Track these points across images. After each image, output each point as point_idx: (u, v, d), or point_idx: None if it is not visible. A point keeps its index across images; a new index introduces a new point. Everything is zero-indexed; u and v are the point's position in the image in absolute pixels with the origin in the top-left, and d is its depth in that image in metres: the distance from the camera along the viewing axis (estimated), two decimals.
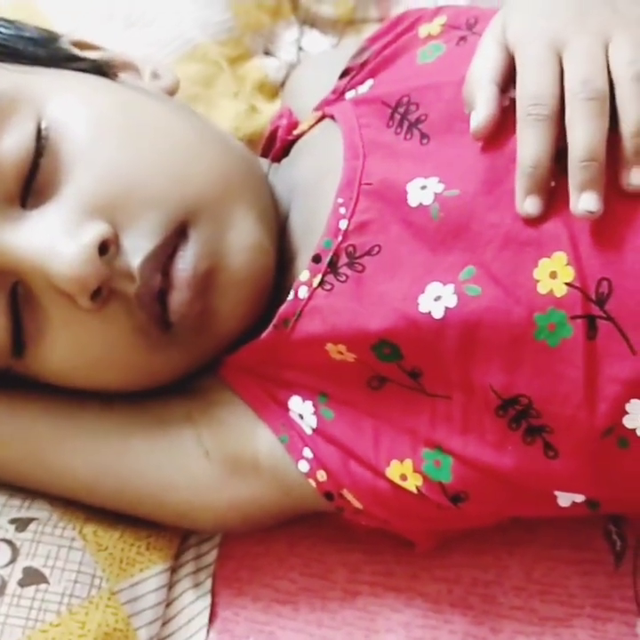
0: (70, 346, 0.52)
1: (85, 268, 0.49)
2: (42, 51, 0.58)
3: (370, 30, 0.77)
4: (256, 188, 0.57)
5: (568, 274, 0.47)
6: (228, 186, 0.54)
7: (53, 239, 0.49)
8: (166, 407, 0.58)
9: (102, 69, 0.59)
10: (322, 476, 0.54)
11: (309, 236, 0.54)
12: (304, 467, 0.55)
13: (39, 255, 0.49)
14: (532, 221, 0.48)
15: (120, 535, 0.57)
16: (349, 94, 0.60)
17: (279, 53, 0.78)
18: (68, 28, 0.69)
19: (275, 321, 0.53)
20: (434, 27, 0.59)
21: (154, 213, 0.51)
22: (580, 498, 0.52)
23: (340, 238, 0.52)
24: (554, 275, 0.47)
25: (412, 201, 0.51)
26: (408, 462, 0.52)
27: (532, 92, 0.49)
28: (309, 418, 0.54)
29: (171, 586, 0.58)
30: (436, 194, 0.50)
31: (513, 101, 0.50)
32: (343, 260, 0.51)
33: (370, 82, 0.59)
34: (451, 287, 0.48)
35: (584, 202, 0.47)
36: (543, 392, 0.48)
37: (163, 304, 0.51)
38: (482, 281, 0.48)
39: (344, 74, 0.61)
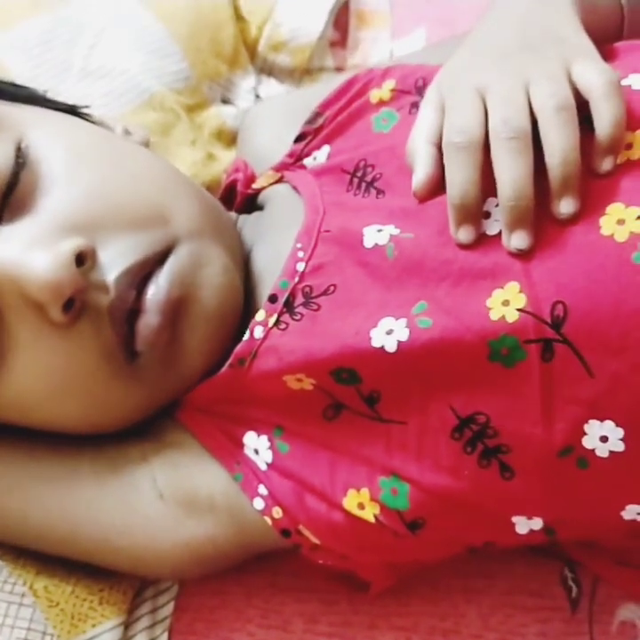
0: (33, 369, 0.51)
1: (60, 273, 0.48)
2: (21, 91, 0.60)
3: (326, 78, 0.79)
4: (228, 232, 0.58)
5: (520, 300, 0.48)
6: (206, 224, 0.54)
7: (27, 249, 0.49)
8: (120, 449, 0.57)
9: (80, 113, 0.60)
10: (277, 512, 0.54)
11: (266, 279, 0.55)
12: (259, 504, 0.54)
13: (11, 263, 0.48)
14: (484, 254, 0.49)
15: (72, 590, 0.56)
16: (307, 161, 0.62)
17: (237, 101, 0.78)
18: (27, 77, 0.70)
19: (231, 360, 0.53)
20: (384, 92, 0.60)
21: (133, 235, 0.51)
22: (537, 525, 0.52)
23: (296, 279, 0.53)
24: (506, 303, 0.48)
25: (368, 242, 0.52)
26: (365, 491, 0.52)
27: (456, 125, 0.50)
28: (264, 453, 0.54)
29: None
30: (391, 235, 0.52)
31: None
32: (299, 299, 0.52)
33: (326, 148, 0.61)
34: (403, 321, 0.49)
35: (515, 240, 0.49)
36: (501, 409, 0.49)
37: (132, 329, 0.51)
38: (433, 314, 0.49)
39: (299, 138, 0.63)
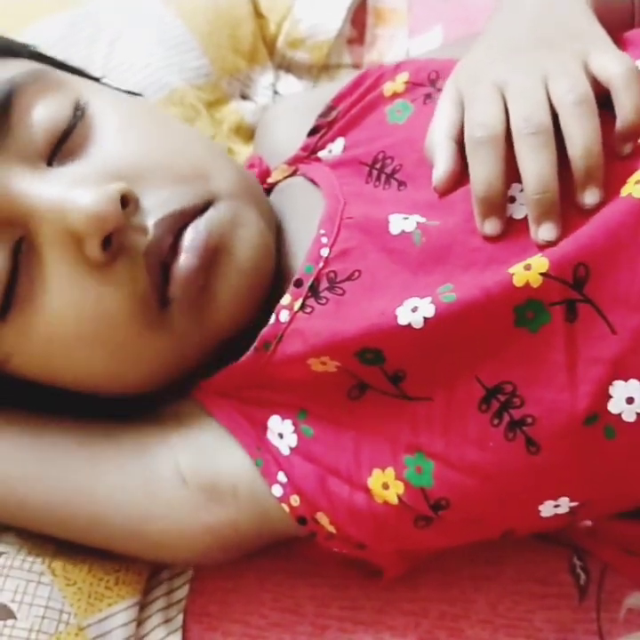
0: (64, 310, 0.51)
1: (104, 207, 0.50)
2: (76, 68, 0.63)
3: (343, 75, 0.80)
4: (263, 201, 0.59)
5: (542, 265, 0.48)
6: (243, 189, 0.56)
7: (74, 186, 0.51)
8: (141, 433, 0.58)
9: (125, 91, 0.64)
10: (295, 500, 0.54)
11: (290, 264, 0.56)
12: (278, 491, 0.55)
13: (57, 198, 0.50)
14: (512, 241, 0.50)
15: (89, 569, 0.57)
16: (322, 153, 0.62)
17: (255, 97, 0.80)
18: None
19: (256, 344, 0.54)
20: (398, 85, 0.61)
21: (175, 188, 0.52)
22: (563, 508, 0.52)
23: (321, 264, 0.53)
24: (528, 267, 0.48)
25: (394, 229, 0.53)
26: (389, 470, 0.52)
27: (477, 120, 0.51)
28: (289, 437, 0.54)
29: (142, 622, 0.59)
30: (418, 222, 0.52)
31: None
32: (324, 284, 0.53)
33: (341, 140, 0.62)
34: (428, 299, 0.50)
35: (542, 232, 0.49)
36: (527, 376, 0.49)
37: (166, 277, 0.52)
38: (458, 291, 0.49)
39: (313, 131, 0.63)
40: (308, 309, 0.53)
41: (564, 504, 0.52)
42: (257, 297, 0.55)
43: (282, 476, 0.55)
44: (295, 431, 0.54)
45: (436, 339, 0.50)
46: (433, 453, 0.51)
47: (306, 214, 0.57)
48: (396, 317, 0.50)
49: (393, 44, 0.83)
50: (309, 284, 0.53)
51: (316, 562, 0.61)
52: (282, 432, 0.55)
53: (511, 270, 0.49)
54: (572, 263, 0.48)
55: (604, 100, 0.50)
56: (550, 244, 0.49)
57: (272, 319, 0.53)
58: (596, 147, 0.49)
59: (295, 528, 0.56)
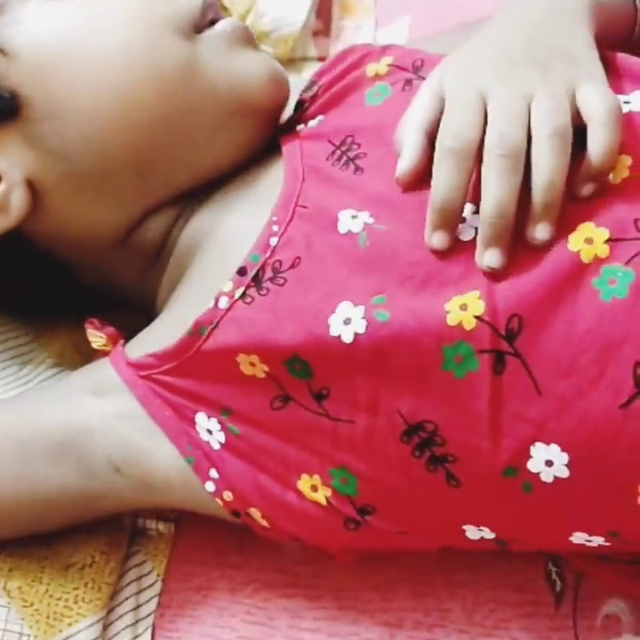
0: None
1: None
2: None
3: (310, 69, 0.78)
4: None
5: (479, 307, 0.48)
6: None
7: None
8: (70, 426, 0.57)
9: None
10: (228, 496, 0.55)
11: (239, 247, 0.54)
12: (210, 487, 0.55)
13: None
14: (453, 262, 0.49)
15: (46, 589, 0.56)
16: (300, 127, 0.61)
17: None
18: None
19: (190, 327, 0.53)
20: (381, 66, 0.60)
21: None
22: (488, 534, 0.52)
23: (268, 254, 0.53)
24: (464, 307, 0.48)
25: (342, 228, 0.52)
26: (316, 477, 0.52)
27: (451, 129, 0.50)
28: (217, 434, 0.54)
29: (109, 639, 0.57)
30: (365, 224, 0.51)
31: None
32: (268, 274, 0.52)
33: (320, 118, 0.60)
34: (360, 309, 0.49)
35: (488, 258, 0.48)
36: (449, 420, 0.49)
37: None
38: (392, 308, 0.49)
39: (297, 106, 0.62)
40: (248, 299, 0.52)
41: (488, 533, 0.52)
42: (269, 117, 0.59)
43: (214, 473, 0.55)
44: (222, 429, 0.54)
45: (363, 358, 0.49)
46: (356, 472, 0.51)
47: (263, 190, 0.56)
48: (328, 327, 0.49)
49: (359, 35, 0.82)
50: (254, 272, 0.52)
51: (289, 572, 0.60)
52: (210, 429, 0.54)
53: (447, 307, 0.48)
54: (507, 313, 0.47)
55: (582, 135, 0.49)
56: (492, 271, 0.48)
57: (211, 304, 0.53)
58: (560, 183, 0.48)
59: (231, 518, 0.56)
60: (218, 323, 0.53)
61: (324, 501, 0.53)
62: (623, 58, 0.56)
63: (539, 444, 0.48)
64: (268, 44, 0.78)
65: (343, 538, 0.55)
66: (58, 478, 0.57)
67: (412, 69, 0.58)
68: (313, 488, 0.53)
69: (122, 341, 0.59)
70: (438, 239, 0.49)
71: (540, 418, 0.48)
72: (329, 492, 0.53)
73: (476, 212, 0.49)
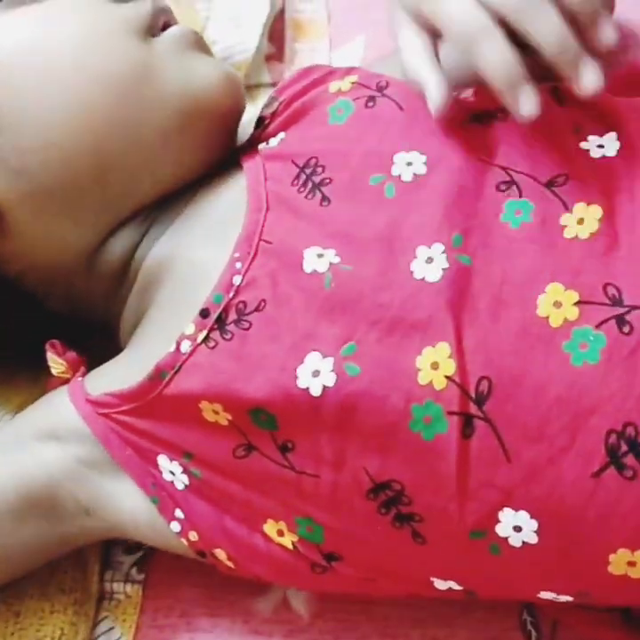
0: None
1: None
2: None
3: (264, 95, 0.75)
4: None
5: (450, 367, 0.47)
6: None
7: None
8: (31, 478, 0.55)
9: None
10: (193, 536, 0.54)
11: (202, 284, 0.52)
12: (176, 527, 0.54)
13: None
14: (420, 304, 0.48)
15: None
16: (261, 146, 0.59)
17: None
18: None
19: (151, 372, 0.52)
20: (344, 83, 0.58)
21: None
22: (455, 586, 0.52)
23: (231, 294, 0.51)
24: (435, 366, 0.47)
25: (307, 267, 0.50)
26: (282, 523, 0.52)
27: (460, 18, 0.48)
28: (180, 476, 0.53)
29: None
30: (331, 263, 0.50)
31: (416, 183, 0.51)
32: (232, 316, 0.51)
33: (281, 135, 0.58)
34: (330, 362, 0.48)
35: (587, 78, 0.47)
36: (416, 481, 0.48)
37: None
38: (362, 361, 0.48)
39: (258, 123, 0.60)
40: (212, 343, 0.50)
41: (455, 586, 0.52)
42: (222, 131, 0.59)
43: (179, 513, 0.54)
44: (184, 472, 0.53)
45: (330, 413, 0.48)
46: (321, 522, 0.51)
47: (227, 220, 0.54)
48: (296, 379, 0.48)
49: (314, 58, 0.79)
50: (217, 315, 0.51)
51: (261, 633, 0.59)
52: (172, 470, 0.53)
53: (418, 364, 0.47)
54: (477, 375, 0.46)
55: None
56: (597, 89, 0.47)
57: (172, 347, 0.51)
58: (568, 37, 0.47)
59: (197, 557, 0.55)
60: (180, 367, 0.51)
61: (290, 546, 0.52)
62: (608, 98, 0.54)
63: (507, 510, 0.47)
64: None
65: (311, 580, 0.54)
66: (29, 533, 0.56)
67: (375, 88, 0.57)
68: (279, 532, 0.52)
69: (83, 369, 0.57)
70: (528, 105, 0.48)
71: (508, 484, 0.47)
72: (295, 538, 0.52)
73: (444, 251, 0.48)
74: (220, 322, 0.50)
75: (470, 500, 0.47)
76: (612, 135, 0.52)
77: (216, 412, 0.50)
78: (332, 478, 0.49)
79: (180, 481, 0.53)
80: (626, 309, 0.46)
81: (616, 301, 0.47)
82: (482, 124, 0.54)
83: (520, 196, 0.50)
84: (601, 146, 0.52)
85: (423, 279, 0.48)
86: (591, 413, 0.46)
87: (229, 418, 0.50)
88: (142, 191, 0.57)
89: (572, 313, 0.47)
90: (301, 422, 0.49)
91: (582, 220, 0.49)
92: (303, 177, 0.53)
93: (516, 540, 0.48)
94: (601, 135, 0.52)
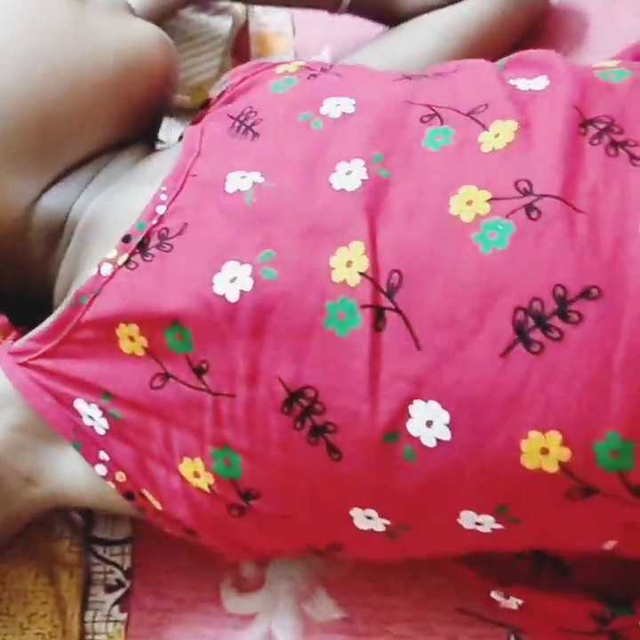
0: None
1: None
2: None
3: None
4: None
5: (363, 263, 0.48)
6: None
7: None
8: None
9: None
10: (121, 476, 0.54)
11: (128, 220, 0.54)
12: (101, 470, 0.54)
13: None
14: (338, 211, 0.49)
15: None
16: (206, 116, 0.61)
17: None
18: None
19: (71, 299, 0.53)
20: (292, 66, 0.60)
21: None
22: (377, 524, 0.50)
23: (154, 221, 0.53)
24: (349, 264, 0.48)
25: (230, 188, 0.52)
26: (199, 461, 0.51)
27: None
28: (99, 420, 0.53)
29: None
30: (254, 183, 0.52)
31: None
32: (154, 241, 0.52)
33: (227, 107, 0.60)
34: (247, 268, 0.49)
35: None
36: (329, 383, 0.48)
37: None
38: (279, 266, 0.49)
39: (205, 104, 0.63)
40: (132, 265, 0.52)
41: (376, 517, 0.50)
42: None
43: (103, 455, 0.54)
44: (104, 415, 0.53)
45: (246, 318, 0.49)
46: (239, 449, 0.50)
47: (155, 173, 0.56)
48: (212, 285, 0.49)
49: None
50: (139, 240, 0.52)
51: None
52: (91, 415, 0.53)
53: (332, 263, 0.48)
54: (388, 268, 0.47)
55: None
56: None
57: (93, 271, 0.52)
58: None
59: (130, 506, 0.55)
60: (99, 291, 0.52)
61: (206, 488, 0.52)
62: (528, 53, 0.59)
63: (417, 402, 0.47)
64: (183, 93, 0.74)
65: (229, 527, 0.53)
66: None
67: (320, 69, 0.59)
68: (195, 474, 0.52)
69: (14, 334, 0.57)
70: None
71: (419, 374, 0.47)
72: (211, 479, 0.51)
73: (364, 165, 0.50)
74: (142, 246, 0.52)
75: (381, 397, 0.47)
76: (543, 77, 0.54)
77: (132, 339, 0.51)
78: (248, 395, 0.49)
79: (101, 426, 0.53)
80: (535, 198, 0.48)
81: (526, 193, 0.48)
82: (411, 79, 0.57)
83: (441, 124, 0.52)
84: (530, 84, 0.54)
85: (342, 189, 0.50)
86: (499, 294, 0.46)
87: (145, 345, 0.51)
88: (84, 142, 0.58)
89: (484, 208, 0.48)
90: (216, 335, 0.49)
91: (498, 134, 0.51)
92: (237, 124, 0.56)
93: (428, 439, 0.47)
94: (531, 78, 0.55)
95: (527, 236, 0.47)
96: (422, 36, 0.69)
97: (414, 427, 0.47)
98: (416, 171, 0.50)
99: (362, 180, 0.50)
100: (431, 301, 0.47)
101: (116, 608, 0.61)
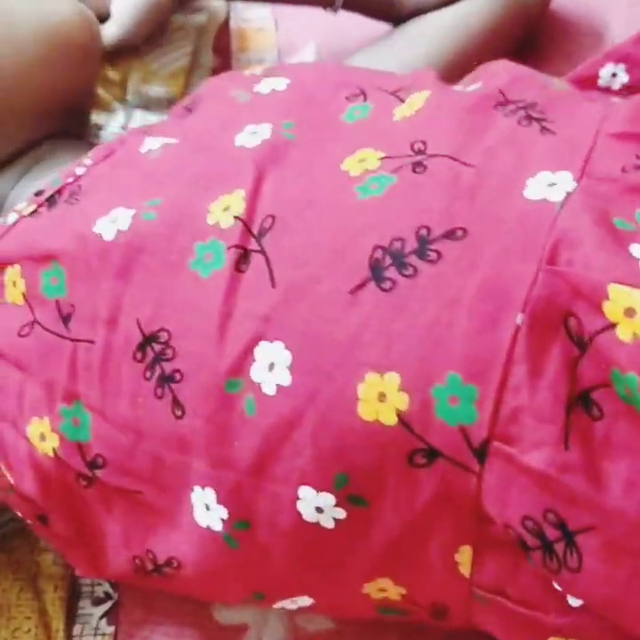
0: None
1: None
2: None
3: None
4: None
5: (239, 208, 0.48)
6: None
7: None
8: None
9: None
10: None
11: None
12: None
13: None
14: (230, 165, 0.50)
15: None
16: None
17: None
18: None
19: None
20: (257, 68, 0.61)
21: None
22: (214, 516, 0.47)
23: (70, 179, 0.54)
24: (227, 208, 0.48)
25: (144, 148, 0.54)
26: (46, 420, 0.50)
27: None
28: None
29: None
30: (164, 143, 0.53)
31: None
32: (65, 196, 0.53)
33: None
34: (131, 212, 0.50)
35: None
36: (182, 325, 0.47)
37: None
38: (161, 210, 0.49)
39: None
40: (36, 215, 0.53)
41: (213, 503, 0.47)
42: None
43: None
44: None
45: (117, 256, 0.48)
46: (90, 405, 0.49)
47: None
48: (92, 225, 0.50)
49: None
50: (50, 194, 0.53)
51: None
52: None
53: (210, 207, 0.49)
54: (264, 213, 0.48)
55: None
56: None
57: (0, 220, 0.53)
58: None
59: None
60: (2, 237, 0.52)
61: (51, 453, 0.49)
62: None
63: (263, 343, 0.45)
64: (159, 84, 0.72)
65: (78, 500, 0.50)
66: None
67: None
68: (41, 437, 0.50)
69: None
70: None
71: (268, 312, 0.46)
72: (56, 442, 0.49)
73: (271, 129, 0.51)
74: (52, 199, 0.53)
75: (229, 339, 0.46)
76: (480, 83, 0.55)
77: (14, 285, 0.51)
78: (106, 339, 0.48)
79: None
80: (425, 157, 0.48)
81: (420, 152, 0.48)
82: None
83: (364, 101, 0.53)
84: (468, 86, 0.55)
85: (242, 146, 0.51)
86: (363, 234, 0.46)
87: (23, 290, 0.51)
88: (11, 135, 0.58)
89: (374, 165, 0.48)
90: (87, 275, 0.49)
91: (411, 103, 0.52)
92: (182, 111, 0.57)
93: (269, 386, 0.45)
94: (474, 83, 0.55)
95: (406, 186, 0.47)
96: (421, 39, 0.68)
97: (257, 372, 0.45)
98: (322, 137, 0.51)
99: (263, 140, 0.50)
100: (296, 242, 0.46)
101: (103, 621, 0.59)
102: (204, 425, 0.46)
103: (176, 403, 0.46)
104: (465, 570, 0.45)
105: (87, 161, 0.54)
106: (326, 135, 0.51)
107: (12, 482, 0.51)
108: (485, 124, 0.49)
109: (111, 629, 0.59)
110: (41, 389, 0.50)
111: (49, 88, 0.58)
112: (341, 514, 0.45)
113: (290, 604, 0.51)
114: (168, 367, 0.47)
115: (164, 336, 0.47)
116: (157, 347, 0.47)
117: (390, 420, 0.43)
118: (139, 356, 0.47)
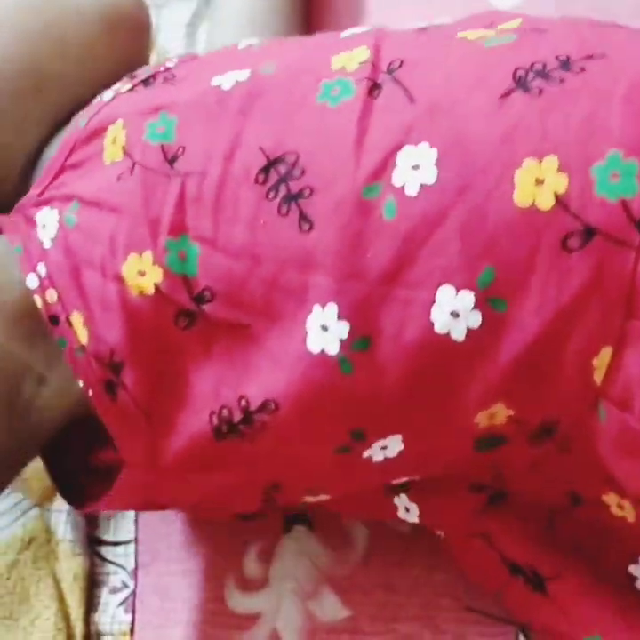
0: None
1: None
2: None
3: None
4: None
5: (364, 55, 0.49)
6: None
7: None
8: None
9: None
10: (51, 296, 0.50)
11: None
12: (33, 282, 0.50)
13: None
14: (342, 42, 0.51)
15: None
16: None
17: None
18: None
19: (71, 124, 0.54)
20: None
21: None
22: (333, 336, 0.45)
23: (162, 68, 0.54)
24: (350, 58, 0.49)
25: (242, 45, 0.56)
26: (148, 254, 0.48)
27: None
28: (51, 227, 0.51)
29: None
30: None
31: None
32: (160, 79, 0.54)
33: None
34: (247, 72, 0.50)
35: None
36: (313, 147, 0.47)
37: None
38: (280, 65, 0.50)
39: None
40: (133, 92, 0.54)
41: (332, 316, 0.45)
42: None
43: (41, 268, 0.51)
44: (59, 220, 0.51)
45: (238, 99, 0.49)
46: (199, 236, 0.48)
47: None
48: (210, 80, 0.51)
49: None
50: (144, 77, 0.54)
51: None
52: (45, 223, 0.51)
53: (332, 59, 0.49)
54: (390, 58, 0.48)
55: None
56: None
57: (97, 100, 0.55)
58: None
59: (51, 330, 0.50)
60: (99, 111, 0.53)
61: (151, 289, 0.48)
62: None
63: (406, 148, 0.45)
64: None
65: (171, 340, 0.48)
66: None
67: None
68: (140, 273, 0.48)
69: None
70: None
71: (410, 122, 0.46)
72: (159, 276, 0.48)
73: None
74: (147, 81, 0.54)
75: (368, 151, 0.46)
76: None
77: (114, 141, 0.51)
78: (222, 170, 0.48)
79: (48, 236, 0.51)
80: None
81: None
82: None
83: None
84: None
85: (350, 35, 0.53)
86: (500, 64, 0.47)
87: (124, 143, 0.51)
88: (80, 99, 0.58)
89: (491, 34, 0.49)
90: (206, 116, 0.50)
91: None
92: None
93: (413, 187, 0.44)
94: None
95: (533, 36, 0.48)
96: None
97: (399, 176, 0.45)
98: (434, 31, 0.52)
99: (365, 31, 0.52)
100: (430, 75, 0.47)
101: (120, 609, 0.61)
102: (335, 234, 0.46)
103: (303, 218, 0.46)
104: (598, 376, 0.44)
105: (170, 63, 0.55)
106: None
107: (84, 341, 0.49)
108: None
109: (128, 617, 0.60)
110: (142, 227, 0.49)
111: (113, 60, 0.60)
112: (477, 320, 0.44)
113: (379, 451, 0.48)
114: (295, 186, 0.46)
115: (291, 157, 0.47)
116: (283, 168, 0.47)
117: (548, 202, 0.43)
118: (261, 178, 0.47)
